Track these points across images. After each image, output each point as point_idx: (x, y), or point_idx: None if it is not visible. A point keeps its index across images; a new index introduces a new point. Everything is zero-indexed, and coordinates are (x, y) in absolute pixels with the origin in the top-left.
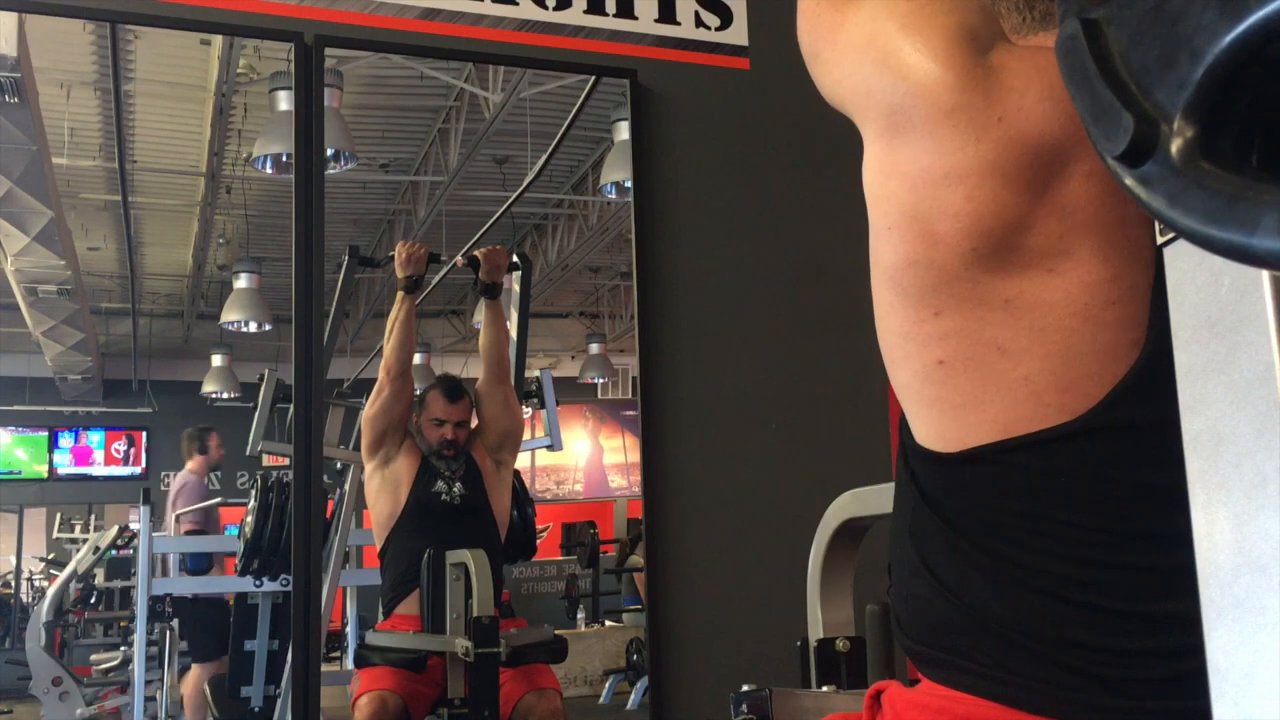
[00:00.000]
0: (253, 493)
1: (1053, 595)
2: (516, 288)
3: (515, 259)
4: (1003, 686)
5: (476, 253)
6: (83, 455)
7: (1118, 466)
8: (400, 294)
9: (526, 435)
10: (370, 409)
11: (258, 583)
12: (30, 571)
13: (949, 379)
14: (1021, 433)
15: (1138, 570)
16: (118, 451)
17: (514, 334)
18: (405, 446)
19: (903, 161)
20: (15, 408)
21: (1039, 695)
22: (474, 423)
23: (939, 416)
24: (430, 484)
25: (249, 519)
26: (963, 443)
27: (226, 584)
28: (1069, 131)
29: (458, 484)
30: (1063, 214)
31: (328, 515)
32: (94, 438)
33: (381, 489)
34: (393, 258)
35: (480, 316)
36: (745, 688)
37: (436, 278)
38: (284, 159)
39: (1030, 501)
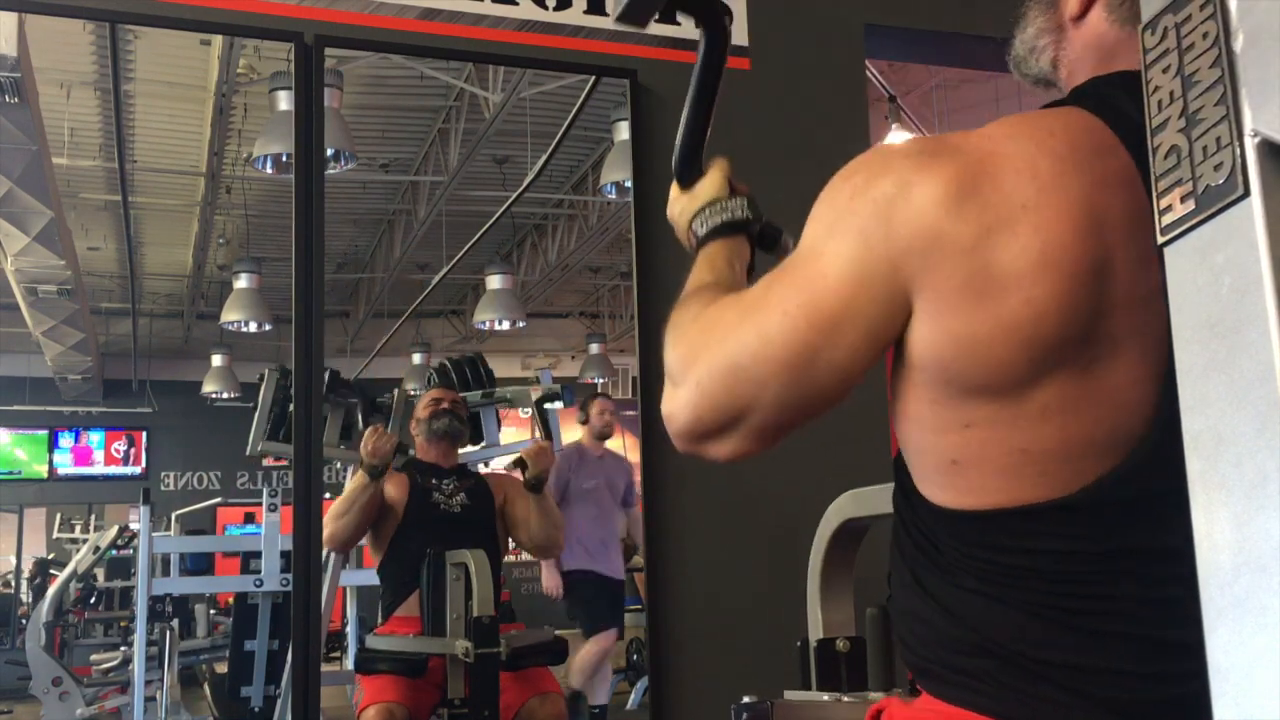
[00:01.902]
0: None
1: (1054, 623)
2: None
3: (558, 389)
4: (1002, 704)
5: (523, 454)
6: (83, 455)
7: (1121, 534)
8: (363, 477)
9: (525, 435)
10: (329, 548)
11: (257, 582)
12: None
13: (962, 474)
14: (1023, 503)
15: (1139, 601)
16: (118, 451)
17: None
18: (392, 481)
19: (950, 293)
20: (15, 408)
21: (1038, 714)
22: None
23: (943, 495)
24: (425, 496)
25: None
26: (962, 505)
27: (226, 584)
28: (1094, 198)
29: (460, 494)
30: (1111, 288)
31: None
32: (94, 438)
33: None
34: (364, 438)
35: (530, 504)
36: (746, 699)
37: (437, 278)
38: (284, 159)
39: (1026, 556)
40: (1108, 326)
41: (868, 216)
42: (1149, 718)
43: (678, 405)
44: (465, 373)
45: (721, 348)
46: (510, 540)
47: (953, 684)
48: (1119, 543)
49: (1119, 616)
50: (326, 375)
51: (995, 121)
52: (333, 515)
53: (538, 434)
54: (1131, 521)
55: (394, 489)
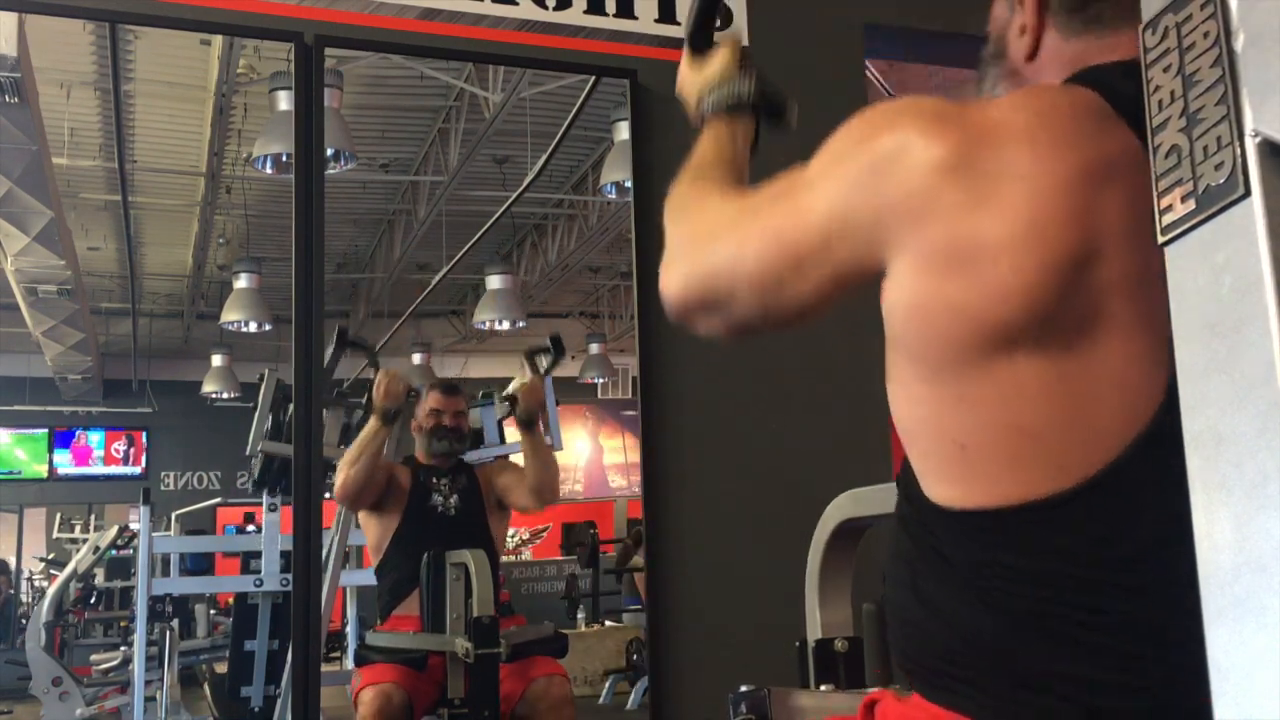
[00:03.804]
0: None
1: (1051, 634)
2: (544, 363)
3: (550, 343)
4: (994, 712)
5: (515, 391)
6: (83, 455)
7: (1123, 524)
8: (375, 422)
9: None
10: (338, 497)
11: (257, 582)
12: (30, 571)
13: (968, 461)
14: (1031, 498)
15: (1138, 617)
16: (118, 451)
17: (550, 400)
18: (393, 479)
19: (935, 255)
20: (15, 408)
21: (1027, 717)
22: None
23: (950, 489)
24: (425, 498)
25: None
26: (968, 503)
27: (226, 584)
28: (1091, 173)
29: (454, 496)
30: (1106, 265)
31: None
32: (94, 438)
33: (375, 517)
34: (376, 380)
35: (523, 445)
36: (744, 688)
37: (437, 278)
38: (284, 159)
39: (1033, 557)
40: (1099, 305)
41: (864, 167)
42: None
43: (669, 281)
44: None
45: (708, 248)
46: (505, 536)
47: (944, 689)
48: (1121, 539)
49: (1121, 624)
50: (335, 332)
51: (1012, 92)
52: (345, 462)
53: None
54: (1133, 514)
55: (395, 484)
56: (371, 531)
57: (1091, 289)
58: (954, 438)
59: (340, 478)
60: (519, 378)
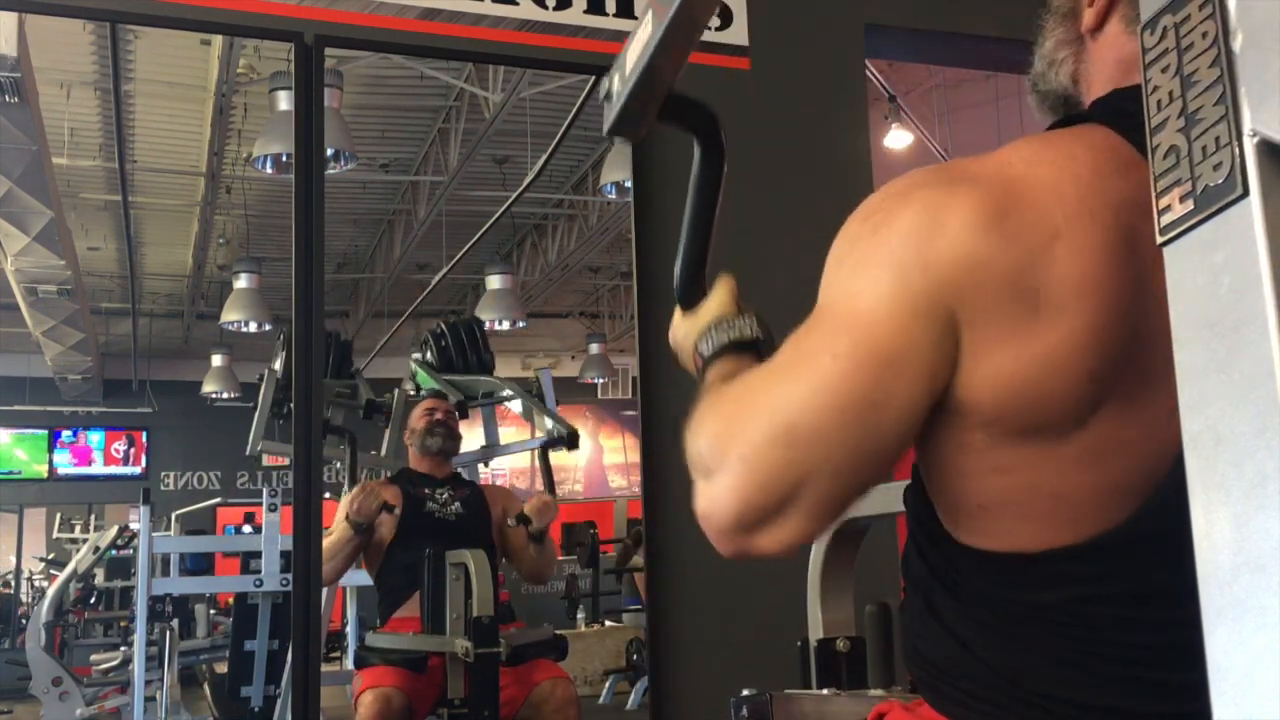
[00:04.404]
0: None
1: (1061, 661)
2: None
3: (564, 433)
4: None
5: (526, 510)
6: (83, 455)
7: (1138, 571)
8: (347, 528)
9: (525, 435)
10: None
11: (257, 582)
12: (30, 571)
13: (989, 518)
14: (1050, 546)
15: (1150, 648)
16: (118, 451)
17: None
18: (386, 493)
19: (996, 327)
20: (15, 408)
21: None
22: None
23: (964, 533)
24: (420, 506)
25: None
26: (984, 546)
27: (226, 584)
28: (1122, 218)
29: (455, 504)
30: (1147, 316)
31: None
32: (94, 438)
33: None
34: (352, 493)
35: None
36: (745, 692)
37: (436, 278)
38: (284, 159)
39: (1046, 594)
40: (1146, 355)
41: (899, 249)
42: None
43: (717, 494)
44: (462, 341)
45: (765, 411)
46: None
47: (954, 701)
48: (1139, 584)
49: (1134, 660)
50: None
51: (1009, 146)
52: (324, 557)
53: (539, 485)
54: (1153, 560)
55: (388, 499)
56: (368, 551)
57: (1141, 339)
58: (978, 501)
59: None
60: (532, 502)
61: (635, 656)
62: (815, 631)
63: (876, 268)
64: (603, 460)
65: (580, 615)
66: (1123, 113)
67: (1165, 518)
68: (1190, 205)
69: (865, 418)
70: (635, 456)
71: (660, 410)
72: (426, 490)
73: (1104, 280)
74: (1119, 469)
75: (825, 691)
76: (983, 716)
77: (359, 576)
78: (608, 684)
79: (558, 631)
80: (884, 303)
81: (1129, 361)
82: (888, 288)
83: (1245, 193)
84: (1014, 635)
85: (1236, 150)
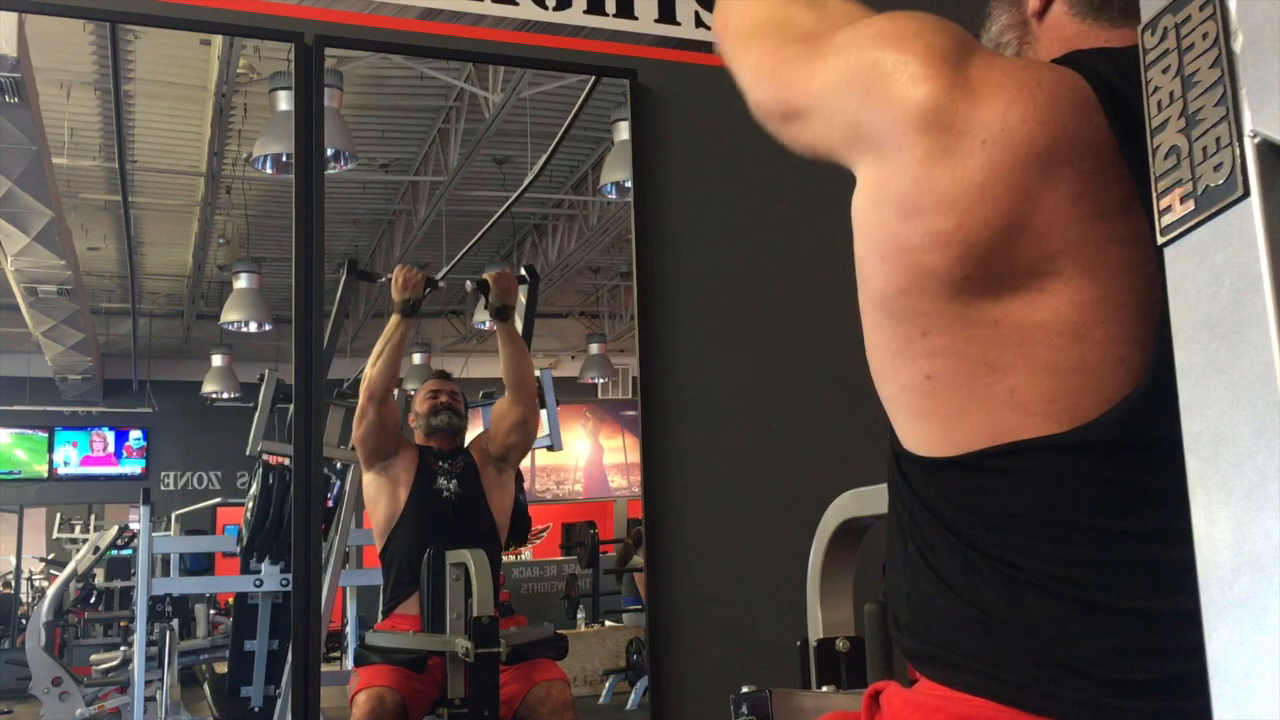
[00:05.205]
0: (253, 481)
1: (1049, 593)
2: (523, 299)
3: (524, 271)
4: (1001, 685)
5: (486, 276)
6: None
7: (1112, 473)
8: (396, 317)
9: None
10: (357, 432)
11: (257, 582)
12: (30, 572)
13: (936, 392)
14: (1008, 440)
15: (1131, 567)
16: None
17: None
18: (403, 448)
19: (893, 191)
20: (15, 408)
21: (1038, 695)
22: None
23: (926, 426)
24: (430, 481)
25: (250, 505)
26: (950, 449)
27: (226, 584)
28: (1054, 153)
29: (454, 480)
30: (1051, 234)
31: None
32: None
33: (380, 491)
34: (390, 279)
35: (498, 337)
36: (745, 689)
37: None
38: (284, 159)
39: (1020, 503)
40: (1041, 268)
41: (863, 67)
42: (1149, 696)
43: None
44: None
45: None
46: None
47: (950, 665)
48: (1113, 490)
49: (1116, 583)
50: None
51: (1016, 59)
52: (370, 362)
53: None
54: (1126, 467)
55: (402, 462)
56: (376, 510)
57: (1053, 224)
58: (921, 370)
59: (368, 376)
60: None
61: (635, 656)
62: (815, 631)
63: (842, 68)
64: (603, 460)
65: (580, 615)
66: (1088, 66)
67: (1132, 428)
68: (1191, 206)
69: (773, 115)
70: (635, 456)
71: (660, 410)
72: (438, 462)
73: (1001, 197)
74: (1038, 348)
75: (825, 689)
76: (975, 676)
77: (359, 576)
78: (608, 684)
79: (557, 632)
80: (816, 88)
81: (1003, 270)
82: (830, 83)
83: (1246, 193)
84: (994, 565)
85: (1237, 151)
